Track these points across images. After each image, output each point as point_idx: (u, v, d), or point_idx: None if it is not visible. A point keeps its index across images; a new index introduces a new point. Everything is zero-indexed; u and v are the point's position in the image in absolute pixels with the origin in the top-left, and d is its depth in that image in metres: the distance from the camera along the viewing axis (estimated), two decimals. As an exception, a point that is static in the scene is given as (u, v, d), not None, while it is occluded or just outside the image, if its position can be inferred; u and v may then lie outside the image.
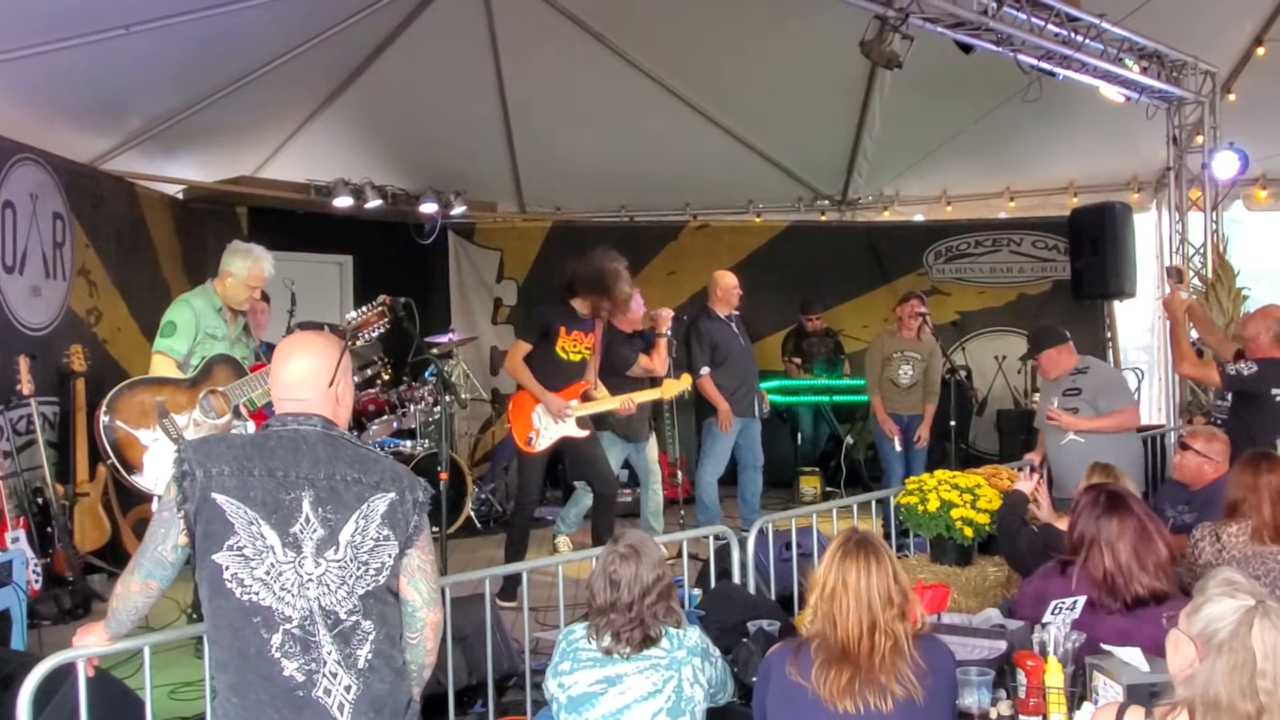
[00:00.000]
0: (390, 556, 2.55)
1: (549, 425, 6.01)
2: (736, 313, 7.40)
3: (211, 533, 2.42)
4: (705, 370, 7.10)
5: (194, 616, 4.72)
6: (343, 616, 2.46)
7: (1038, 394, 9.51)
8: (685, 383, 6.38)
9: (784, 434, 9.87)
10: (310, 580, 2.44)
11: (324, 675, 2.41)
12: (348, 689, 2.42)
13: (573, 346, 6.05)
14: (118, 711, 3.26)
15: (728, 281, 7.31)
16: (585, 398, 6.14)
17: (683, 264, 10.56)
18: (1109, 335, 9.61)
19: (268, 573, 2.42)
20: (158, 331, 4.95)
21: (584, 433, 6.10)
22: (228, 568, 2.40)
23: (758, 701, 2.94)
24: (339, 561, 2.48)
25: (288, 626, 2.40)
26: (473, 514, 8.20)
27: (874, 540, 2.85)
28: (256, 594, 2.40)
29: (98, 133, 7.53)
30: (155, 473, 4.50)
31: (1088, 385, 5.62)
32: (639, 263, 10.28)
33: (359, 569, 2.50)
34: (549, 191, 10.61)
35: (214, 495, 2.43)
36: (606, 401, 6.26)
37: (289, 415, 2.60)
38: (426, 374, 7.83)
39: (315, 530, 2.47)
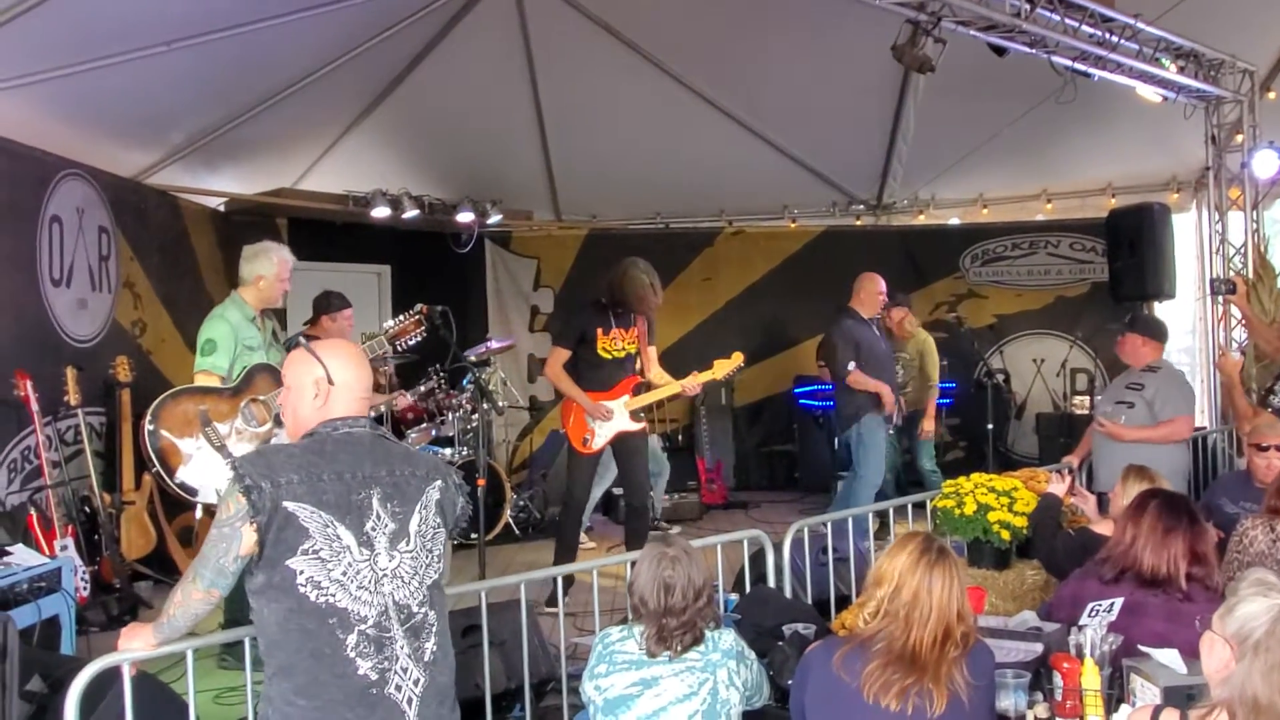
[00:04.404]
0: (441, 544, 2.69)
1: (603, 424, 6.06)
2: (878, 316, 7.39)
3: (284, 539, 2.47)
4: (852, 365, 7.08)
5: (225, 623, 4.79)
6: (414, 609, 2.56)
7: (1078, 396, 9.48)
8: (736, 360, 6.24)
9: (820, 438, 9.86)
10: (385, 575, 2.53)
11: (395, 672, 2.49)
12: (416, 683, 2.52)
13: (613, 345, 6.08)
14: (163, 716, 3.31)
15: (875, 286, 7.28)
16: (637, 391, 6.16)
17: (718, 270, 10.60)
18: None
19: (344, 573, 2.49)
20: (197, 350, 4.95)
21: (638, 425, 6.12)
22: (302, 572, 2.46)
23: (795, 698, 2.95)
24: (411, 552, 2.59)
25: (363, 627, 2.48)
26: (511, 520, 8.25)
27: (950, 549, 2.89)
28: (333, 595, 2.47)
29: (141, 148, 7.67)
30: (199, 480, 4.58)
31: (1151, 384, 5.64)
32: (674, 269, 10.35)
33: (426, 557, 2.62)
34: (584, 199, 10.66)
35: (285, 504, 2.47)
36: (668, 387, 6.21)
37: (338, 419, 2.67)
38: (464, 382, 7.90)
39: (387, 525, 2.57)
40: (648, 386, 6.21)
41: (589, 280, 8.83)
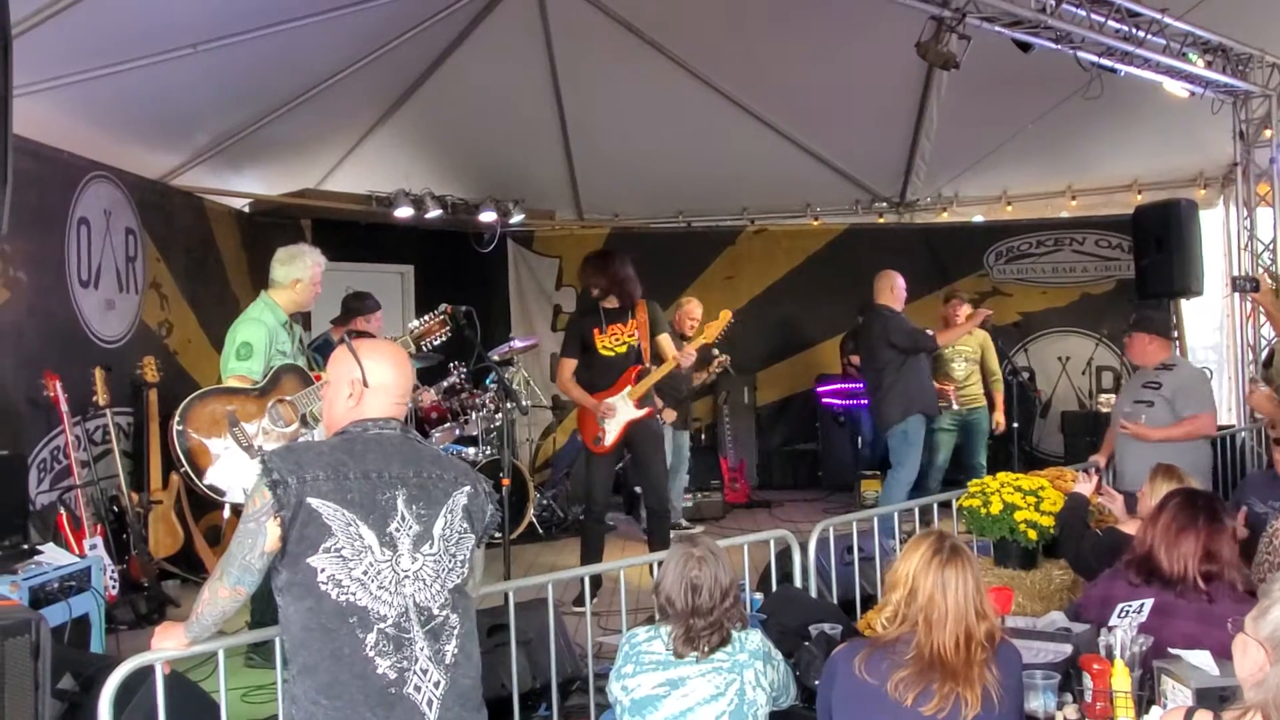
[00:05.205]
0: (468, 550, 2.67)
1: (610, 420, 6.13)
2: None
3: (307, 536, 2.47)
4: (931, 331, 7.21)
5: (251, 622, 4.81)
6: (435, 612, 2.56)
7: (1104, 395, 9.42)
8: (724, 318, 6.25)
9: (844, 437, 9.85)
10: (407, 576, 2.53)
11: (415, 672, 2.49)
12: (436, 685, 2.51)
13: (613, 342, 6.16)
14: (193, 713, 3.33)
15: (900, 281, 7.34)
16: (638, 378, 6.18)
17: (740, 268, 10.60)
18: (1176, 335, 9.44)
19: (365, 572, 2.49)
20: (231, 354, 4.88)
21: (643, 412, 6.17)
22: (324, 570, 2.46)
23: (822, 699, 2.94)
24: (434, 555, 2.59)
25: (382, 626, 2.48)
26: (535, 520, 8.26)
27: (962, 546, 2.85)
28: (354, 594, 2.47)
29: (167, 149, 7.72)
30: (227, 480, 4.60)
31: (1169, 382, 5.60)
32: (697, 268, 10.38)
33: (449, 561, 2.61)
34: (607, 198, 10.67)
35: (310, 500, 2.48)
36: (667, 364, 6.23)
37: (369, 420, 2.68)
38: (488, 381, 7.92)
39: (411, 527, 2.57)
40: (650, 371, 6.25)
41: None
